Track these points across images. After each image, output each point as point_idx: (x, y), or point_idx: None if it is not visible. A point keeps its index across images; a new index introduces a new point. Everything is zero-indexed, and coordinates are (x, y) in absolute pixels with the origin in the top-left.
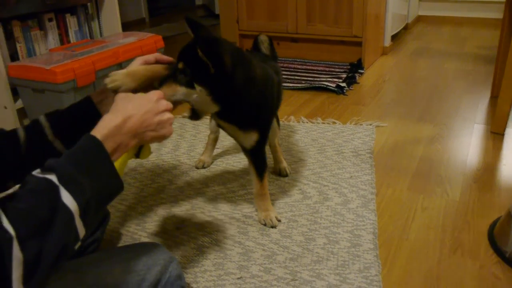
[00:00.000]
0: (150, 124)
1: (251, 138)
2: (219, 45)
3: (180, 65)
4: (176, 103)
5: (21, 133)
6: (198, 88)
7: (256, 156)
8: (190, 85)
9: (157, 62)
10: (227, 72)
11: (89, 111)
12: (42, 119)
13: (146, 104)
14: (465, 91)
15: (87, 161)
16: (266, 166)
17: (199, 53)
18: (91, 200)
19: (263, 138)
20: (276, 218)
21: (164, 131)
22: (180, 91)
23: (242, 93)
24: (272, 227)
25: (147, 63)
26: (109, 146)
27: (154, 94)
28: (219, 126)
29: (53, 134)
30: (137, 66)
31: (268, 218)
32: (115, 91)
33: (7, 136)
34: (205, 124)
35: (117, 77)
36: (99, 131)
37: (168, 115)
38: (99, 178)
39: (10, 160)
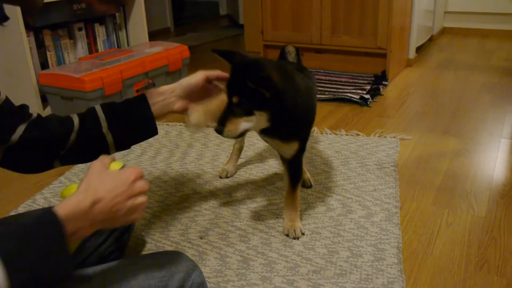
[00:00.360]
0: (120, 209)
1: (292, 149)
2: (264, 69)
3: (235, 99)
4: (239, 136)
5: (76, 120)
6: (257, 113)
7: (294, 165)
8: (249, 114)
9: (218, 78)
10: (279, 91)
11: (143, 112)
12: (99, 110)
13: (120, 186)
14: (491, 104)
15: (39, 239)
16: (301, 176)
17: (249, 84)
18: (28, 280)
19: (303, 147)
20: (301, 230)
21: (134, 216)
22: (242, 122)
23: (291, 108)
24: (295, 238)
25: (208, 77)
26: (69, 228)
27: (132, 173)
28: (261, 137)
29: (107, 128)
30: (198, 80)
31: (292, 228)
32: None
33: (62, 120)
34: None
35: (199, 115)
36: (63, 209)
37: (142, 198)
38: (47, 259)
39: (61, 143)
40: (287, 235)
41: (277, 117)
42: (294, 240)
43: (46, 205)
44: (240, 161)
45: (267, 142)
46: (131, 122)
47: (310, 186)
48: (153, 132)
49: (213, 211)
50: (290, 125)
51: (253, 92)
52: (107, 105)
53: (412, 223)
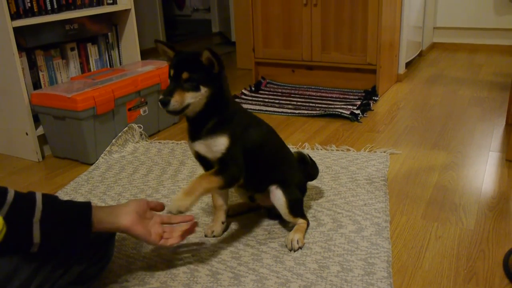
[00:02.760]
0: None
1: (221, 143)
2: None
3: (185, 75)
4: (181, 111)
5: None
6: (203, 89)
7: (226, 161)
8: (196, 89)
9: (156, 207)
10: (223, 70)
11: (82, 230)
12: (39, 198)
13: None
14: (480, 118)
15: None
16: (236, 177)
17: (205, 57)
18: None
19: (234, 148)
20: (182, 208)
21: None
22: (189, 96)
23: (227, 90)
24: (169, 212)
25: (149, 205)
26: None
27: None
28: (197, 156)
29: (39, 219)
30: (143, 202)
31: (176, 203)
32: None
33: None
34: None
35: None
36: None
37: None
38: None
39: None
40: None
41: (213, 100)
42: (285, 256)
43: None
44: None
45: (198, 151)
46: (65, 228)
47: (292, 249)
48: (86, 237)
49: (204, 228)
50: (222, 113)
51: (202, 68)
52: (48, 197)
53: (402, 236)
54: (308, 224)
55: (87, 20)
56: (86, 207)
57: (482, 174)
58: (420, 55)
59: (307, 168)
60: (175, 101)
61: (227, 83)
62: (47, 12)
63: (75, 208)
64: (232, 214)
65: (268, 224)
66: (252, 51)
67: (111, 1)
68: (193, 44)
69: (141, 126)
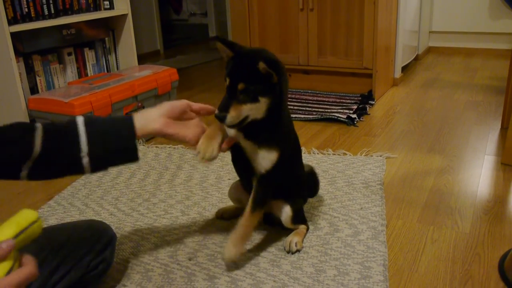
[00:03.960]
0: None
1: (269, 158)
2: (273, 55)
3: (241, 86)
4: (240, 124)
5: (39, 133)
6: (262, 100)
7: (264, 184)
8: (254, 100)
9: (199, 109)
10: (283, 77)
11: (127, 142)
12: (81, 130)
13: None
14: (475, 122)
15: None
16: (266, 202)
17: (262, 67)
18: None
19: (279, 165)
20: (235, 256)
21: None
22: (246, 109)
23: (286, 101)
24: (226, 261)
25: (190, 106)
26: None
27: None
28: (236, 149)
29: (87, 153)
30: (181, 104)
31: (227, 254)
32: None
33: (23, 132)
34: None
35: (209, 148)
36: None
37: None
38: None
39: (22, 158)
40: (223, 256)
41: (273, 109)
42: (282, 260)
43: None
44: (229, 182)
45: (245, 149)
46: (113, 150)
47: (289, 251)
48: (134, 160)
49: (201, 232)
50: (277, 124)
51: (260, 77)
52: (90, 125)
53: (398, 240)
54: (307, 229)
55: (84, 25)
56: (128, 124)
57: (478, 177)
58: (416, 59)
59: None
60: (231, 117)
61: (287, 90)
62: (44, 17)
63: (118, 129)
64: (227, 217)
65: (264, 228)
66: None
67: (108, 6)
68: (189, 48)
69: None
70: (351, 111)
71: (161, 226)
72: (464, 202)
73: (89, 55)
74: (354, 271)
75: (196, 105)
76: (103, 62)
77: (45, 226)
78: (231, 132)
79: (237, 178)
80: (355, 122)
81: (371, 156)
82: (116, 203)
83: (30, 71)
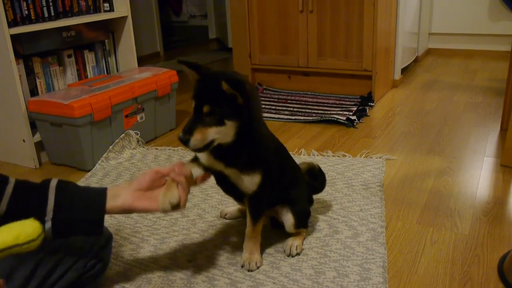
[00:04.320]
0: None
1: (254, 182)
2: (239, 76)
3: (206, 108)
4: (204, 148)
5: (9, 189)
6: (228, 123)
7: (255, 201)
8: (219, 123)
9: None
10: (251, 98)
11: (95, 216)
12: (51, 196)
13: None
14: (475, 123)
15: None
16: (263, 212)
17: (225, 87)
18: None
19: (266, 183)
20: (257, 263)
21: None
22: (211, 132)
23: (258, 120)
24: (249, 270)
25: (160, 172)
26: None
27: None
28: (210, 170)
29: (51, 218)
30: (148, 176)
31: (248, 260)
32: None
33: None
34: None
35: (165, 201)
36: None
37: None
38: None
39: None
40: (242, 266)
41: (243, 132)
42: (281, 262)
43: None
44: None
45: (226, 177)
46: (77, 219)
47: (290, 255)
48: (98, 234)
49: (201, 234)
50: (254, 146)
51: (225, 99)
52: (61, 190)
53: (397, 242)
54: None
55: (84, 27)
56: (100, 196)
57: (477, 179)
58: (416, 61)
59: (314, 182)
60: (195, 140)
61: (260, 110)
62: (44, 20)
63: (89, 200)
64: (229, 218)
65: (264, 230)
66: (249, 57)
67: (108, 8)
68: (189, 50)
69: (138, 132)
70: (351, 113)
71: (161, 228)
72: (464, 203)
73: (89, 57)
74: (353, 273)
75: (166, 169)
76: (103, 64)
77: None
78: (203, 159)
79: None
80: (355, 123)
81: (371, 157)
82: None
83: (30, 73)
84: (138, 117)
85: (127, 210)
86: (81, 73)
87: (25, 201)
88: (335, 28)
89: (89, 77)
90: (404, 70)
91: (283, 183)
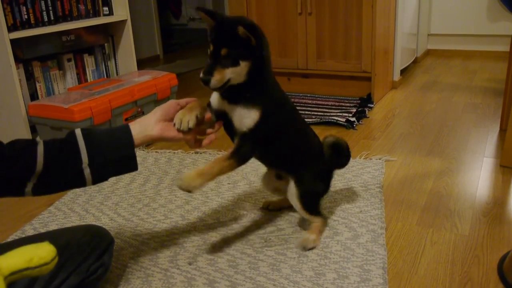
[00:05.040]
0: None
1: (251, 117)
2: (252, 21)
3: (224, 51)
4: (222, 87)
5: (40, 149)
6: (242, 63)
7: (243, 140)
8: (235, 64)
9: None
10: (263, 40)
11: (126, 151)
12: (81, 142)
13: None
14: (474, 124)
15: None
16: (244, 156)
17: (241, 31)
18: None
19: (262, 125)
20: (189, 188)
21: None
22: (228, 72)
23: (267, 61)
24: (180, 187)
25: (179, 104)
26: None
27: None
28: (218, 114)
29: (88, 164)
30: (170, 105)
31: (183, 179)
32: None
33: (25, 149)
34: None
35: (185, 120)
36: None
37: None
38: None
39: (26, 175)
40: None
41: (253, 73)
42: (281, 264)
43: None
44: (228, 186)
45: (230, 115)
46: (112, 160)
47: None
48: (133, 169)
49: (201, 236)
50: (259, 85)
51: (240, 42)
52: (89, 136)
53: (397, 243)
54: (325, 222)
55: (84, 31)
56: (126, 133)
57: (477, 180)
58: (415, 62)
59: (339, 156)
60: (215, 80)
61: (269, 53)
62: (43, 24)
63: (117, 139)
64: (272, 208)
65: (264, 232)
66: None
67: (108, 12)
68: (188, 53)
69: None
70: (350, 115)
71: (161, 231)
72: (463, 204)
73: (89, 61)
74: (353, 274)
75: (183, 101)
76: (103, 67)
77: (45, 231)
78: (214, 99)
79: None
80: (354, 125)
81: (370, 159)
82: (116, 209)
83: (30, 78)
84: None
85: (156, 140)
86: (81, 77)
87: (58, 155)
88: (334, 30)
89: (89, 80)
90: (403, 71)
91: (286, 144)
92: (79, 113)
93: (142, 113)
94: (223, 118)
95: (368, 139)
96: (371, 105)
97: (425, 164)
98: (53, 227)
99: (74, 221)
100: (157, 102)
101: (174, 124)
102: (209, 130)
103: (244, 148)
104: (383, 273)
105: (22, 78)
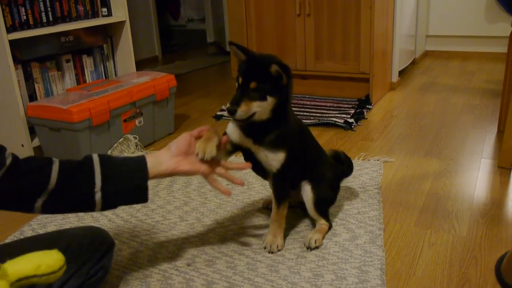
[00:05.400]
0: None
1: (278, 159)
2: (278, 58)
3: (253, 85)
4: (247, 120)
5: (55, 168)
6: (269, 99)
7: (278, 181)
8: (262, 98)
9: (199, 134)
10: (290, 81)
11: (140, 181)
12: (97, 166)
13: None
14: (472, 125)
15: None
16: (286, 194)
17: (274, 69)
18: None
19: (288, 163)
20: (278, 246)
21: None
22: (255, 105)
23: (290, 101)
24: (270, 252)
25: (192, 136)
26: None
27: None
28: (239, 148)
29: (100, 188)
30: (185, 140)
31: (270, 242)
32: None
33: (41, 167)
34: None
35: (208, 149)
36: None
37: None
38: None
39: (38, 191)
40: (265, 248)
41: (277, 111)
42: (280, 265)
43: None
44: (227, 187)
45: (255, 153)
46: (125, 188)
47: (309, 247)
48: (143, 201)
49: (200, 238)
50: (282, 125)
51: (270, 79)
52: (105, 162)
53: (395, 244)
54: (330, 227)
55: (83, 32)
56: (142, 164)
57: (475, 181)
58: (413, 63)
59: (341, 166)
60: (242, 111)
61: (292, 93)
62: (42, 25)
63: (132, 169)
64: (271, 207)
65: (262, 234)
66: None
67: (106, 13)
68: (187, 54)
69: (137, 136)
70: (349, 116)
71: (160, 232)
72: (461, 205)
73: (87, 62)
74: (351, 275)
75: (195, 131)
76: (101, 68)
77: (44, 232)
78: (235, 136)
79: None
80: (353, 126)
81: (369, 160)
82: (115, 210)
83: (28, 78)
84: (137, 122)
85: (170, 173)
86: (80, 78)
87: (72, 175)
88: (332, 31)
89: (87, 81)
90: (401, 73)
91: (305, 161)
92: (77, 114)
93: (141, 114)
94: (248, 154)
95: (367, 140)
96: (369, 106)
97: (423, 165)
98: (51, 228)
99: (72, 222)
100: (156, 103)
101: (197, 155)
102: (237, 180)
103: (281, 187)
104: (381, 274)
105: (20, 79)
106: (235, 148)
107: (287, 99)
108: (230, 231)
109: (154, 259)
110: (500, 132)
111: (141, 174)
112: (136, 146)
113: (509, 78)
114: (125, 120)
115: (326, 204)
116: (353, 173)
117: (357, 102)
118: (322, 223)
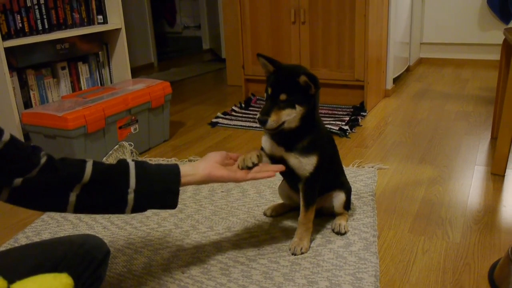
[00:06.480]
0: None
1: (311, 163)
2: (307, 69)
3: (283, 96)
4: (277, 128)
5: (89, 168)
6: (298, 108)
7: (309, 185)
8: (291, 107)
9: (235, 158)
10: (318, 90)
11: (172, 187)
12: (132, 168)
13: None
14: (466, 132)
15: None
16: (315, 198)
17: (303, 79)
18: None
19: (321, 166)
20: (302, 249)
21: None
22: (284, 114)
23: (318, 110)
24: (293, 254)
25: (229, 156)
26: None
27: None
28: (272, 158)
29: (134, 189)
30: (222, 154)
31: (295, 244)
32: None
33: (74, 167)
34: None
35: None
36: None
37: None
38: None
39: (70, 189)
40: (289, 249)
41: (306, 119)
42: (274, 272)
43: None
44: (221, 194)
45: (288, 161)
46: (157, 191)
47: (339, 232)
48: (172, 207)
49: (194, 245)
50: (312, 131)
51: (299, 89)
52: (140, 165)
53: (389, 251)
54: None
55: (78, 39)
56: (175, 169)
57: (468, 188)
58: (408, 70)
59: None
60: (272, 121)
61: (319, 101)
62: (38, 32)
63: (165, 173)
64: (274, 215)
65: (257, 241)
66: (242, 68)
67: (102, 21)
68: (183, 61)
69: (132, 143)
70: (343, 123)
71: (154, 240)
72: (455, 212)
73: (83, 69)
74: (346, 282)
75: (234, 155)
76: (97, 76)
77: (40, 240)
78: (267, 146)
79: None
80: (347, 133)
81: (363, 167)
82: (110, 217)
83: (23, 86)
84: (132, 129)
85: (204, 179)
86: (75, 85)
87: (107, 173)
88: (327, 39)
89: (83, 89)
90: (396, 80)
91: (334, 169)
92: (73, 121)
93: (136, 121)
94: (278, 162)
95: (361, 147)
96: (364, 113)
97: (417, 172)
98: (46, 235)
99: (67, 229)
100: (151, 110)
101: (238, 166)
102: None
103: (312, 190)
104: (375, 281)
105: (16, 86)
106: (270, 158)
107: (315, 107)
108: (225, 238)
109: (149, 267)
110: (494, 139)
111: (174, 178)
112: (132, 153)
113: (502, 85)
114: (120, 127)
115: (350, 201)
116: (348, 180)
117: (352, 109)
118: (345, 212)
